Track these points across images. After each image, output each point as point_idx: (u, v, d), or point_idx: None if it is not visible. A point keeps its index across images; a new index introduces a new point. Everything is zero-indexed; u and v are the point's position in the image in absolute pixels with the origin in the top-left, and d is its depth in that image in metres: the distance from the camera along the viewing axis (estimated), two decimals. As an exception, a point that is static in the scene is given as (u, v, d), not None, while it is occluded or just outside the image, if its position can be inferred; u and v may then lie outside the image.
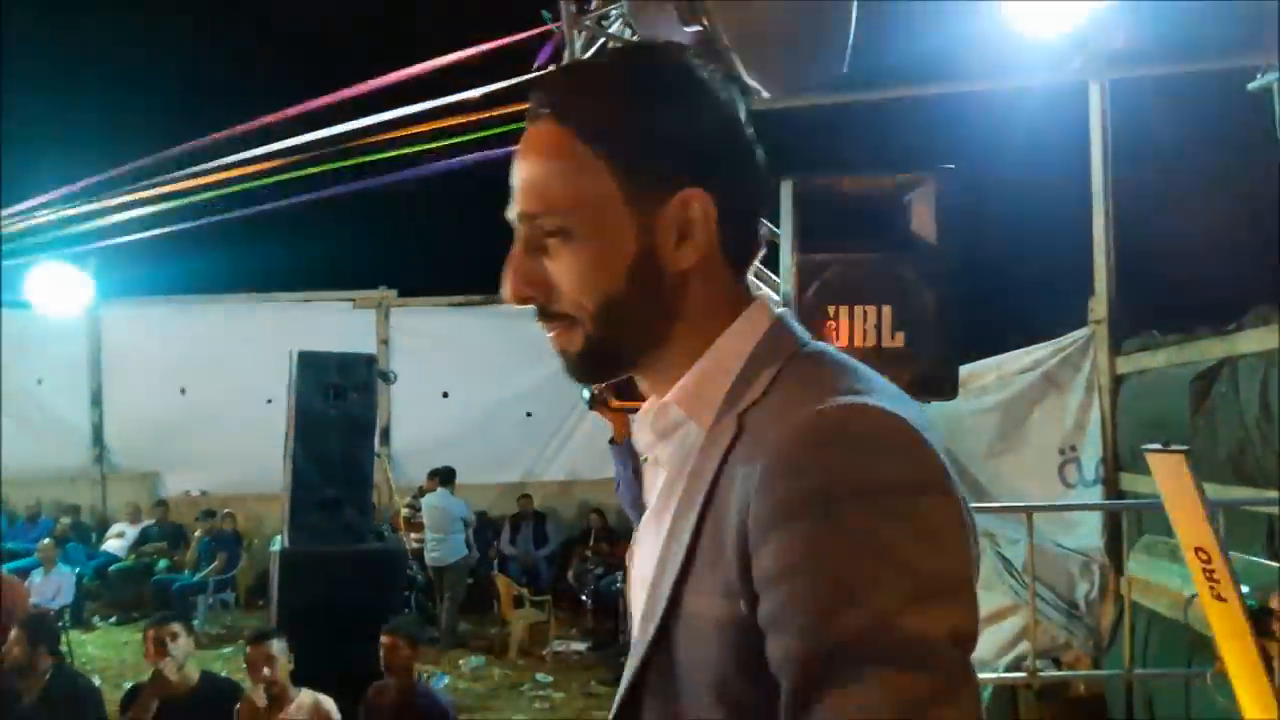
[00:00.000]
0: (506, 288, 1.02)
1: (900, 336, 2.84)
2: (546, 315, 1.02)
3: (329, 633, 5.32)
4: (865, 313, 2.86)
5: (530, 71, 3.28)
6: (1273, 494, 5.05)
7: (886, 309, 2.83)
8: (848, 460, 0.85)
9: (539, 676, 8.79)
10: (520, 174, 1.00)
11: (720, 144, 0.99)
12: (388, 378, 7.37)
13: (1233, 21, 5.10)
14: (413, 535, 10.45)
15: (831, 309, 2.85)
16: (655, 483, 1.06)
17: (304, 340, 7.10)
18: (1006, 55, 6.22)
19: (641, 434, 1.04)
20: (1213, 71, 5.34)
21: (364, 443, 6.77)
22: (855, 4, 2.43)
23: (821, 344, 1.02)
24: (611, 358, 1.02)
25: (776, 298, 1.05)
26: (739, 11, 2.17)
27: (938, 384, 2.90)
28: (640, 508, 1.13)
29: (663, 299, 0.98)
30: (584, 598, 10.22)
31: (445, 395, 12.51)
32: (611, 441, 3.18)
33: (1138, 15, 6.21)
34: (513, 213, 1.01)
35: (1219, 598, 2.66)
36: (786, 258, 2.93)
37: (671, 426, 1.01)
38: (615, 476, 3.36)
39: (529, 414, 12.13)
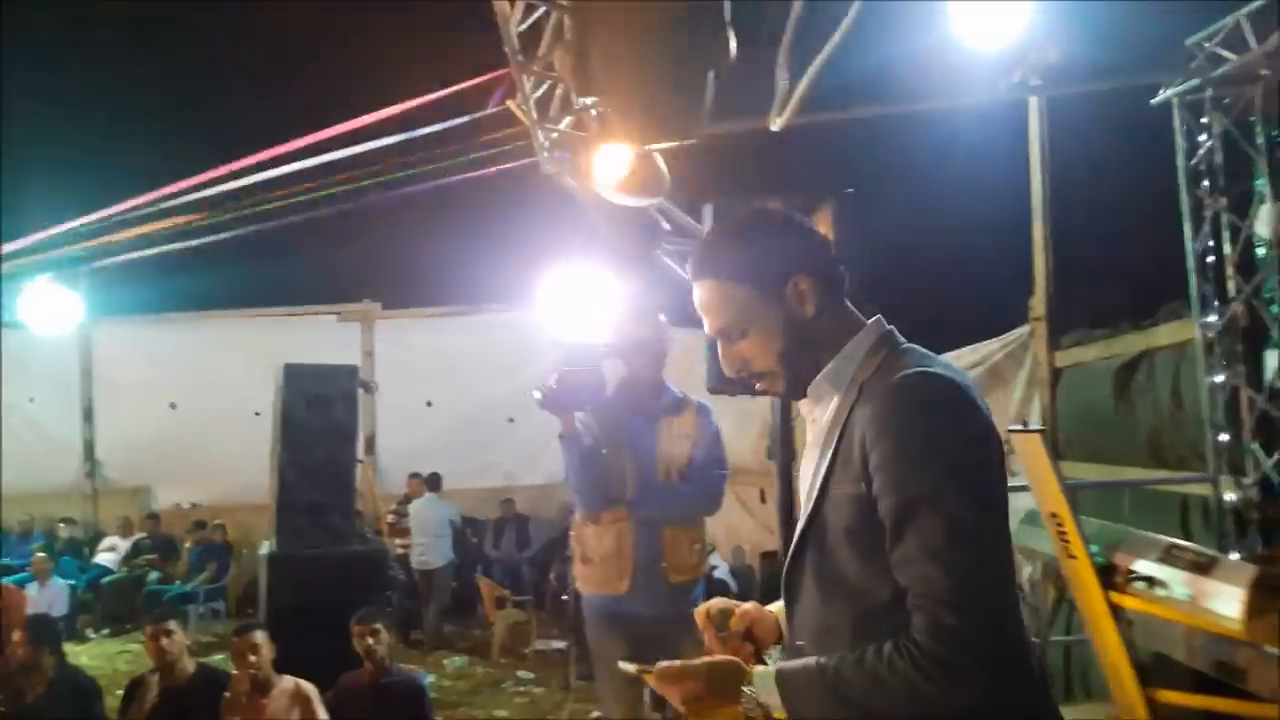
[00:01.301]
0: (726, 368, 1.75)
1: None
2: (753, 376, 1.73)
3: (315, 631, 5.58)
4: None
5: (488, 108, 3.69)
6: (1184, 474, 5.46)
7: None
8: (915, 404, 1.52)
9: (520, 674, 9.05)
10: (705, 309, 1.72)
11: (794, 245, 1.70)
12: (369, 387, 7.71)
13: (1141, 45, 5.51)
14: (397, 540, 10.75)
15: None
16: (811, 432, 1.73)
17: (291, 354, 7.40)
18: (951, 74, 6.60)
19: (805, 405, 1.74)
20: (1128, 89, 5.70)
21: (347, 450, 7.09)
22: (712, 73, 2.80)
23: (912, 344, 1.69)
24: (798, 382, 1.71)
25: (883, 320, 1.76)
26: (603, 77, 2.58)
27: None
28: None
29: (808, 338, 1.68)
30: (565, 597, 10.48)
31: (429, 404, 12.81)
32: (561, 436, 3.58)
33: (1069, 35, 6.61)
34: (711, 330, 1.73)
35: (1070, 556, 3.03)
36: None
37: (820, 396, 1.69)
38: (565, 468, 3.72)
39: (510, 420, 12.43)
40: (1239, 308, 5.16)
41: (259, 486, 8.01)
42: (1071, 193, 6.69)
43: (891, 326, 1.71)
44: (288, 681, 4.62)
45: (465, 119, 3.80)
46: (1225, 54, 4.87)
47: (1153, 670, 3.42)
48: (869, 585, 1.55)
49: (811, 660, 1.58)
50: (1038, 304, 6.90)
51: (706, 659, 1.71)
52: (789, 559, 1.69)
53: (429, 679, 8.56)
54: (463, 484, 11.84)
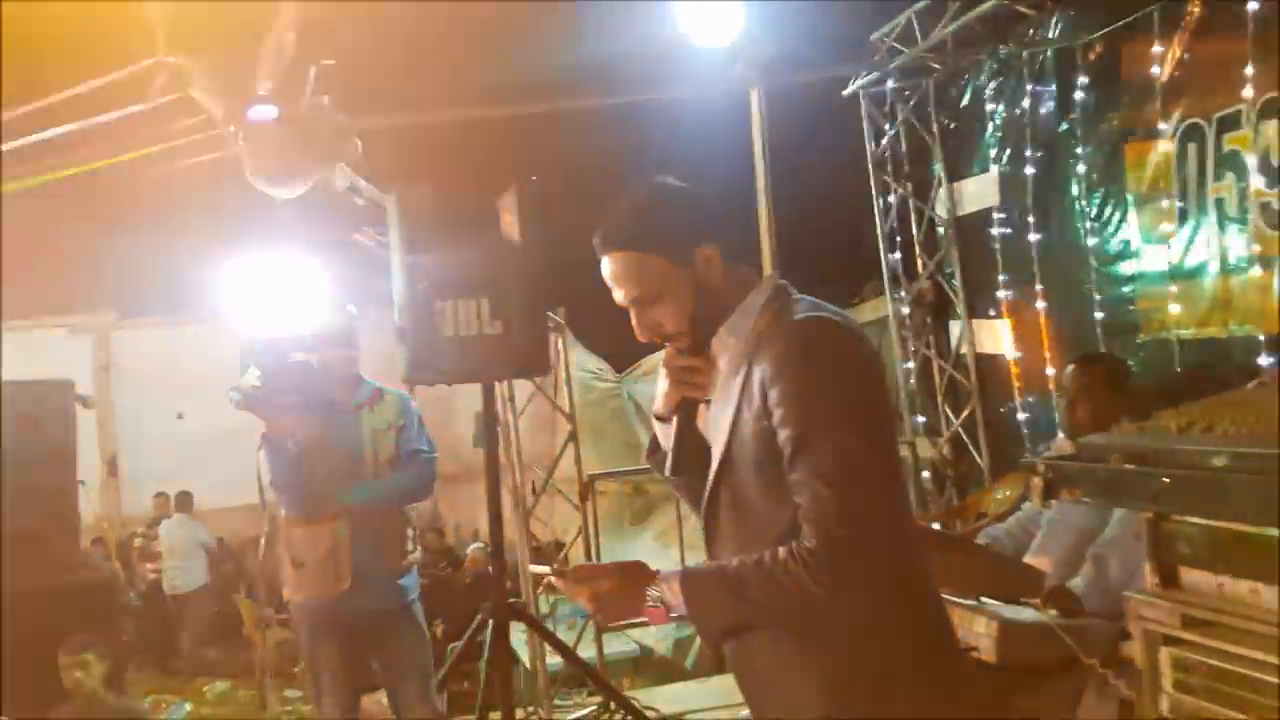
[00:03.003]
0: (640, 333, 1.84)
1: (499, 324, 3.25)
2: (665, 338, 1.83)
3: (46, 669, 5.18)
4: (467, 305, 3.26)
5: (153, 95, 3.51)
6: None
7: (485, 301, 3.25)
8: (809, 344, 1.68)
9: (289, 693, 8.74)
10: (618, 280, 1.80)
11: (700, 217, 1.81)
12: (86, 403, 7.16)
13: (837, 41, 5.94)
14: (148, 565, 10.11)
15: (438, 303, 3.23)
16: (718, 379, 1.84)
17: (12, 372, 6.79)
18: (679, 67, 6.85)
19: (716, 350, 1.83)
20: (833, 82, 6.10)
21: (65, 473, 6.57)
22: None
23: (802, 295, 1.81)
24: (706, 340, 1.82)
25: (776, 276, 1.86)
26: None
27: (532, 362, 3.36)
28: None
29: (713, 299, 1.79)
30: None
31: (180, 417, 12.09)
32: (263, 436, 3.47)
33: (780, 33, 7.01)
34: (624, 298, 1.81)
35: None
36: (396, 260, 3.28)
37: (724, 347, 1.80)
38: (271, 471, 3.60)
39: (270, 429, 11.90)
40: (926, 284, 5.66)
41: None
42: (789, 182, 7.09)
43: (784, 281, 1.85)
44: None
45: (140, 106, 3.59)
46: (901, 48, 5.31)
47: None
48: (776, 511, 1.69)
49: (714, 564, 1.75)
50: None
51: (616, 561, 1.83)
52: (707, 494, 1.84)
53: (186, 708, 8.11)
54: (222, 501, 11.25)
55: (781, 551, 1.64)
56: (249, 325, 3.62)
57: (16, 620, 6.08)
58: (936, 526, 4.48)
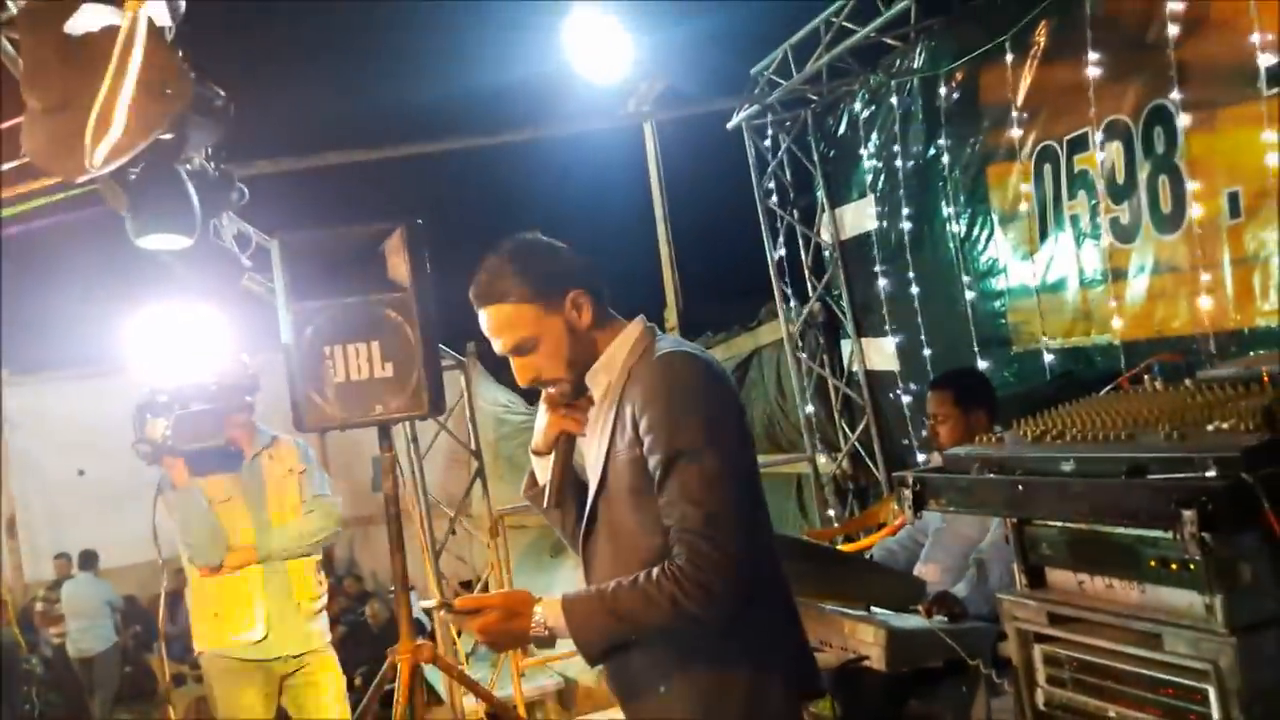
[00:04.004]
0: (521, 380, 1.95)
1: (390, 366, 3.27)
2: (545, 383, 1.95)
3: None
4: (357, 349, 3.27)
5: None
6: (794, 455, 6.09)
7: (375, 344, 3.26)
8: (672, 377, 1.81)
9: (206, 752, 8.50)
10: (494, 331, 1.92)
11: (565, 264, 1.92)
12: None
13: (719, 75, 6.12)
14: (52, 630, 9.75)
15: (327, 349, 3.23)
16: (592, 413, 1.97)
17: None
18: (573, 105, 6.96)
19: (590, 386, 1.95)
20: (720, 115, 6.26)
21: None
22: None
23: (669, 335, 1.98)
24: (582, 382, 1.94)
25: (644, 318, 1.98)
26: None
27: (427, 403, 3.38)
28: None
29: (586, 342, 1.92)
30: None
31: (81, 473, 11.70)
32: (173, 485, 3.45)
33: (668, 68, 7.20)
34: (503, 348, 1.92)
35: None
36: (283, 306, 3.28)
37: (598, 380, 1.92)
38: (179, 523, 3.57)
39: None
40: (816, 305, 5.84)
41: None
42: (686, 212, 7.27)
43: (652, 324, 1.99)
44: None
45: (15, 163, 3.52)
46: (779, 80, 5.50)
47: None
48: (649, 537, 1.82)
49: (593, 587, 1.85)
50: (671, 315, 7.44)
51: (500, 591, 1.97)
52: (584, 524, 1.96)
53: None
54: (128, 558, 10.88)
55: (654, 571, 1.75)
56: (148, 377, 3.59)
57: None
58: (841, 539, 4.62)
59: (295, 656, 3.64)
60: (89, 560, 9.83)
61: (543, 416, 2.03)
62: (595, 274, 1.96)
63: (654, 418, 1.78)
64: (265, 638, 3.59)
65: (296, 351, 3.29)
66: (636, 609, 1.74)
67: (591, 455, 1.96)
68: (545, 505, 2.03)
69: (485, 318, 1.93)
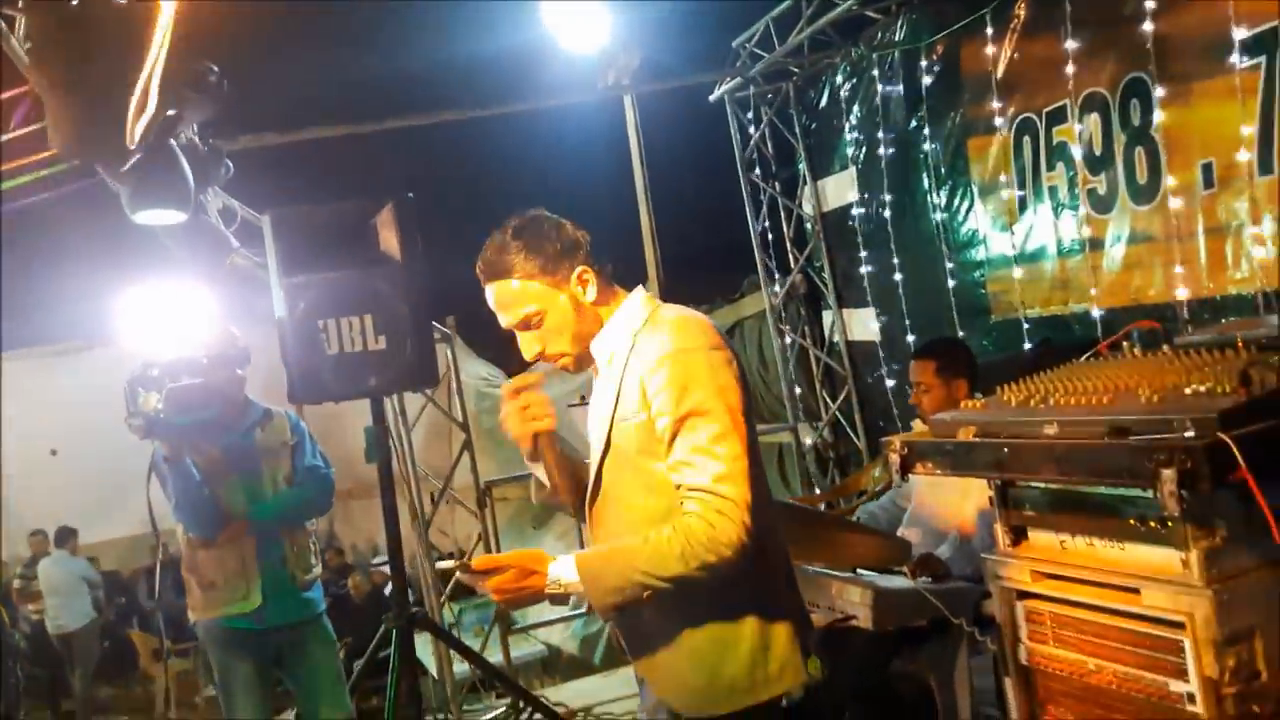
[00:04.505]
0: (526, 354, 1.99)
1: (383, 340, 3.31)
2: (549, 357, 1.99)
3: None
4: (350, 323, 3.31)
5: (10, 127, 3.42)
6: (776, 425, 6.17)
7: (368, 318, 3.30)
8: (680, 339, 1.87)
9: (190, 724, 8.56)
10: (501, 307, 1.96)
11: (570, 240, 1.96)
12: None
13: (700, 47, 6.14)
14: (30, 606, 9.73)
15: (321, 323, 3.27)
16: (596, 383, 2.03)
17: None
18: (552, 77, 6.94)
19: (595, 355, 2.00)
20: (700, 87, 6.28)
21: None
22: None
23: (667, 303, 2.01)
24: (586, 357, 2.01)
25: (643, 288, 2.04)
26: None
27: (419, 375, 3.43)
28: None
29: (591, 316, 1.97)
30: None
31: (54, 453, 11.60)
32: (166, 459, 3.46)
33: (646, 40, 7.18)
34: (510, 323, 1.97)
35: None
36: (275, 281, 3.30)
37: (603, 348, 1.98)
38: (174, 495, 3.60)
39: (153, 458, 11.52)
40: (798, 277, 5.91)
41: None
42: (667, 185, 7.28)
43: (649, 294, 2.05)
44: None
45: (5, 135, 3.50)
46: (761, 53, 5.53)
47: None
48: (657, 497, 1.88)
49: (606, 545, 1.93)
50: (652, 287, 7.45)
51: (514, 551, 1.94)
52: (590, 489, 2.00)
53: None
54: (105, 535, 10.85)
55: (666, 527, 1.80)
56: (139, 351, 3.60)
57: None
58: (824, 507, 4.71)
59: (291, 626, 3.67)
60: (63, 537, 9.79)
61: (512, 428, 2.03)
62: (593, 249, 2.00)
63: (664, 379, 1.83)
64: (261, 608, 3.63)
65: (290, 325, 3.32)
66: (650, 562, 1.79)
67: (596, 422, 2.00)
68: (563, 498, 2.07)
69: (492, 293, 1.96)
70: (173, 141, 3.11)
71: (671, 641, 1.95)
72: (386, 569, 9.09)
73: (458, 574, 1.91)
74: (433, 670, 5.89)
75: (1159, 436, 1.87)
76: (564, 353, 1.98)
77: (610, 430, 1.93)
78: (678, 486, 1.84)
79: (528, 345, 1.98)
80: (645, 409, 1.86)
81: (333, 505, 3.92)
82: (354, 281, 3.32)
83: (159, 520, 3.67)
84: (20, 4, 1.84)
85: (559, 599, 1.89)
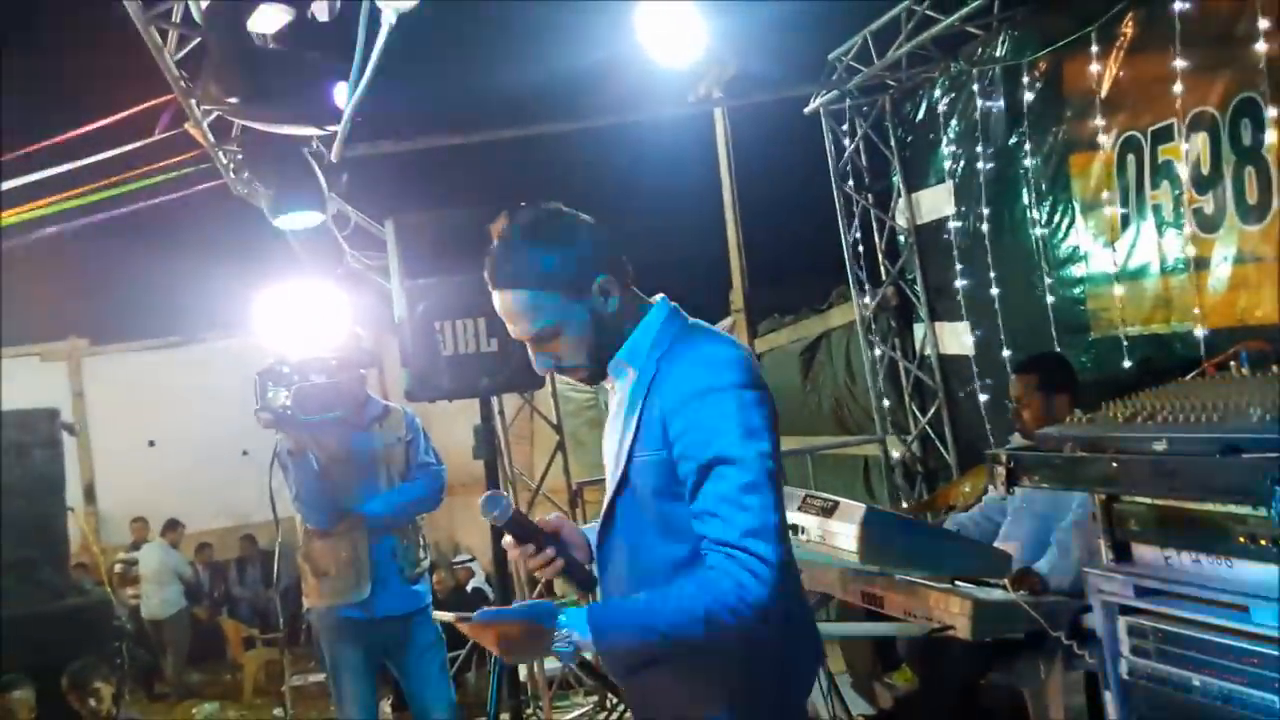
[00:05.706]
0: (538, 369, 1.83)
1: (495, 342, 3.47)
2: (563, 370, 1.82)
3: (41, 692, 5.26)
4: (465, 325, 3.49)
5: (155, 133, 3.66)
6: (863, 437, 6.19)
7: (481, 321, 3.47)
8: (707, 375, 1.69)
9: (276, 712, 8.78)
10: (515, 318, 1.76)
11: (594, 246, 1.77)
12: (72, 430, 7.24)
13: (794, 60, 6.19)
14: (128, 591, 10.13)
15: (437, 324, 3.44)
16: (613, 405, 1.86)
17: (-16, 400, 6.84)
18: (645, 88, 7.06)
19: (610, 380, 1.85)
20: (793, 100, 6.34)
21: (54, 499, 6.65)
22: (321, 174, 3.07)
23: (696, 320, 1.84)
24: (603, 370, 1.83)
25: (667, 299, 1.86)
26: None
27: (527, 377, 3.57)
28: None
29: (612, 329, 1.79)
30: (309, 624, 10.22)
31: (151, 444, 12.07)
32: (290, 452, 3.63)
33: (741, 52, 7.25)
34: (521, 335, 1.78)
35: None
36: (396, 284, 3.48)
37: (619, 372, 1.81)
38: (295, 486, 3.76)
39: (245, 452, 11.88)
40: (890, 289, 5.93)
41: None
42: (755, 196, 7.35)
43: (675, 304, 1.85)
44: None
45: (139, 144, 3.76)
46: (859, 67, 5.58)
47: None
48: (673, 541, 1.71)
49: (622, 599, 1.75)
50: (737, 298, 7.56)
51: (521, 603, 1.86)
52: (601, 525, 1.84)
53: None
54: (200, 525, 11.26)
55: (688, 584, 1.65)
56: (269, 348, 3.78)
57: (13, 645, 6.15)
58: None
59: (399, 618, 3.79)
60: (170, 527, 10.19)
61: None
62: (620, 250, 1.81)
63: (688, 420, 1.67)
64: (371, 598, 3.77)
65: (409, 326, 3.50)
66: (671, 624, 1.63)
67: (611, 452, 1.83)
68: (590, 585, 1.90)
69: (502, 302, 1.75)
70: (305, 150, 3.32)
71: (692, 702, 1.78)
72: (471, 566, 9.31)
73: (457, 625, 1.74)
74: (523, 666, 6.02)
75: (1274, 455, 1.88)
76: (579, 365, 1.80)
77: (627, 465, 1.76)
78: (701, 538, 1.67)
79: (541, 359, 1.80)
80: (667, 447, 1.69)
81: (442, 501, 4.04)
82: (469, 286, 3.44)
83: (277, 509, 3.83)
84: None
85: (567, 656, 1.70)
